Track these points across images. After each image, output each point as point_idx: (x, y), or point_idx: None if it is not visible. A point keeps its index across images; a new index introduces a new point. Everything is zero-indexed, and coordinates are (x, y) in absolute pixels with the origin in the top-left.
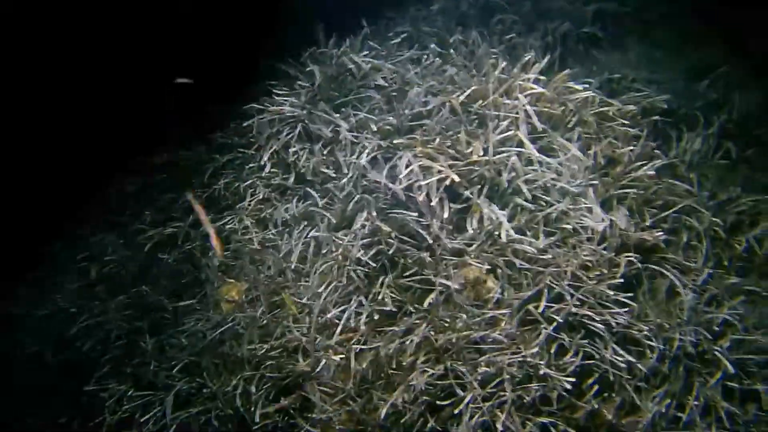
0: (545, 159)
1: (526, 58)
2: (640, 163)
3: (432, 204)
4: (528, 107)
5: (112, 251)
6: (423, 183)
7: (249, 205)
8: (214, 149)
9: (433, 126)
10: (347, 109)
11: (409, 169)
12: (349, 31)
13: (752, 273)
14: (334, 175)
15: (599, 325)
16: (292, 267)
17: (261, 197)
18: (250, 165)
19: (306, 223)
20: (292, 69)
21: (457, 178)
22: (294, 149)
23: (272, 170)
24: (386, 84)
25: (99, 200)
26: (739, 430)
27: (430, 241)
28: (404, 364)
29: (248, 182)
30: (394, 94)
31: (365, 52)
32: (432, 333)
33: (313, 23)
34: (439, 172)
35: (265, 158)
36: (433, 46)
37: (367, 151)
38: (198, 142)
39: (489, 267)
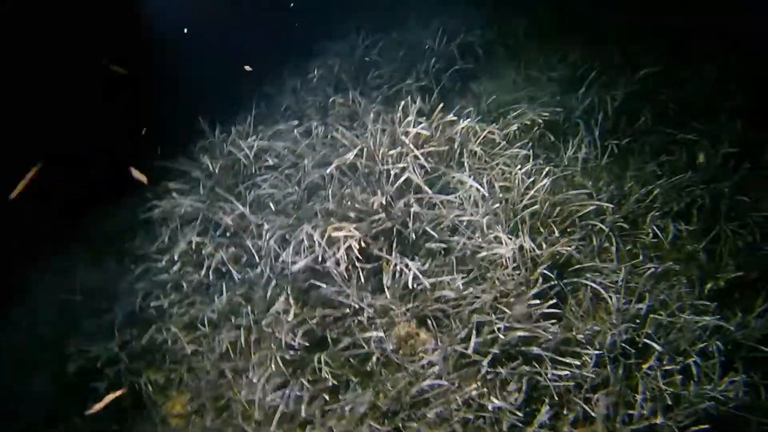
0: (445, 198)
1: (402, 105)
2: (533, 179)
3: (341, 270)
4: (415, 151)
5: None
6: (329, 253)
7: (172, 311)
8: (125, 263)
9: (332, 192)
10: (246, 194)
11: (322, 246)
12: (233, 115)
13: (666, 258)
14: (239, 276)
15: (535, 349)
16: (230, 367)
17: (181, 300)
18: (163, 269)
19: (233, 317)
20: (186, 165)
21: (356, 246)
22: (200, 240)
23: (185, 269)
24: (280, 162)
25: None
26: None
27: (357, 307)
28: None
29: (164, 288)
30: (289, 169)
31: (253, 137)
32: (377, 397)
33: (197, 116)
34: (345, 238)
35: (176, 258)
36: (315, 114)
37: (271, 230)
38: (108, 261)
39: (418, 320)
